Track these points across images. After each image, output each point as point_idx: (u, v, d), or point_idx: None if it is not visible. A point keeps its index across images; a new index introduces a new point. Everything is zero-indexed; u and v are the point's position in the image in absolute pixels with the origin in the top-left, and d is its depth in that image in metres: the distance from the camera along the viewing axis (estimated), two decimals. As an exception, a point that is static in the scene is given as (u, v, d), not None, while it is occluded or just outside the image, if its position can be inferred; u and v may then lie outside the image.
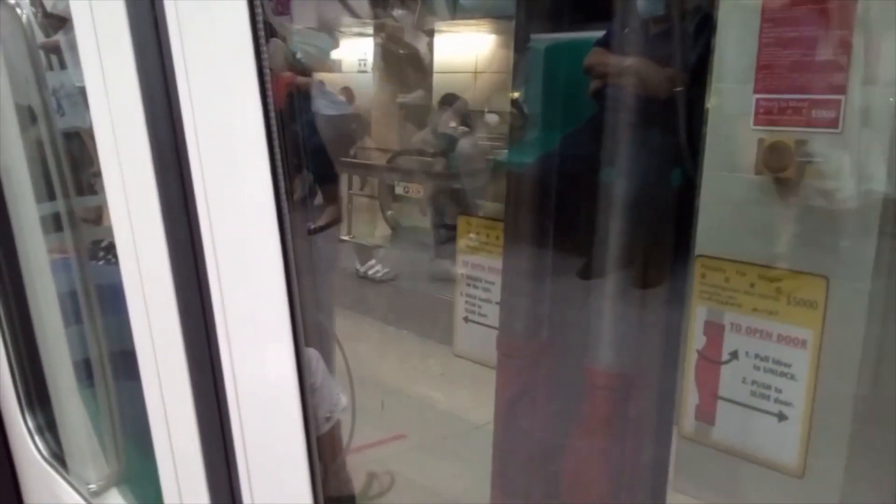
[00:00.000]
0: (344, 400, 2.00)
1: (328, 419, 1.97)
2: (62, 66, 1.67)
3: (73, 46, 0.96)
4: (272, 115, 0.76)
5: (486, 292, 1.32)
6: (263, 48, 0.74)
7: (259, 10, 0.73)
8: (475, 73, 3.60)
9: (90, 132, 0.99)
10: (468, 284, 1.34)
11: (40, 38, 1.58)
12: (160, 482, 1.12)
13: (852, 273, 1.06)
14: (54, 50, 1.66)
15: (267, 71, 0.74)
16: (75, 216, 1.52)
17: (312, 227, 2.51)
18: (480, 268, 1.32)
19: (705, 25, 1.31)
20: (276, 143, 0.77)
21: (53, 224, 1.59)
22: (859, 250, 1.10)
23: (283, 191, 0.79)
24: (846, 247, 1.13)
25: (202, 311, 0.89)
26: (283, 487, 0.93)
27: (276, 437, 0.92)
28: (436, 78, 3.64)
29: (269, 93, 0.75)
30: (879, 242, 1.11)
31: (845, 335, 0.97)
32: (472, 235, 1.32)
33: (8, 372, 1.68)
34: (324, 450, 2.06)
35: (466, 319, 1.35)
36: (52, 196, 1.54)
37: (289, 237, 0.81)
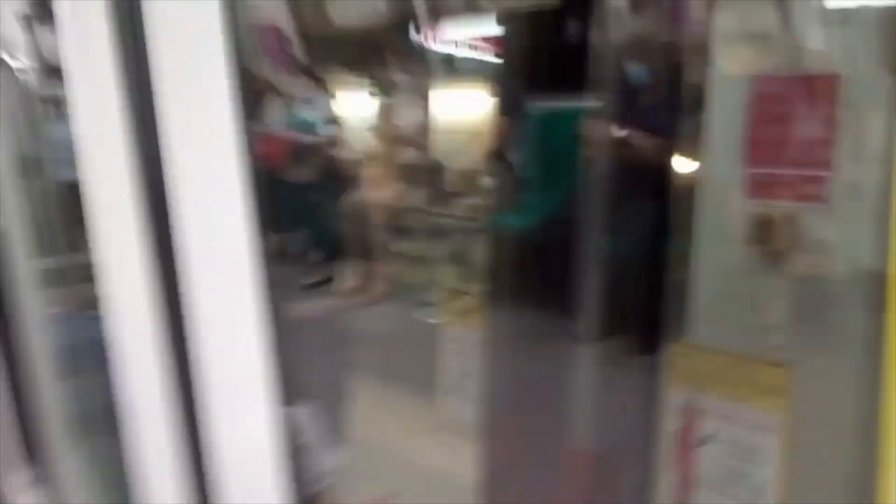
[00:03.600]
0: (338, 458, 1.96)
1: (321, 480, 1.93)
2: (64, 118, 1.69)
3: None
4: (251, 172, 0.77)
5: (469, 366, 1.33)
6: (240, 107, 0.76)
7: (237, 72, 0.75)
8: (474, 133, 3.66)
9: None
10: (451, 357, 1.34)
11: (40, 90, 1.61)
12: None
13: (837, 349, 1.06)
14: (56, 101, 1.69)
15: (247, 129, 0.76)
16: (75, 270, 1.53)
17: (307, 283, 2.52)
18: (462, 340, 1.33)
19: (696, 98, 1.35)
20: (254, 202, 0.79)
21: (54, 278, 1.59)
22: (847, 325, 1.10)
23: (261, 250, 0.80)
24: (836, 321, 1.13)
25: (185, 374, 0.89)
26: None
27: (260, 499, 0.91)
28: (434, 137, 3.70)
29: (249, 153, 0.77)
30: (868, 317, 1.12)
31: (819, 417, 0.96)
32: (453, 307, 1.34)
33: (3, 425, 1.66)
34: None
35: (449, 391, 1.36)
36: (49, 250, 1.55)
37: (267, 297, 0.81)
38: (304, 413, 1.82)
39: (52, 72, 1.63)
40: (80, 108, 0.95)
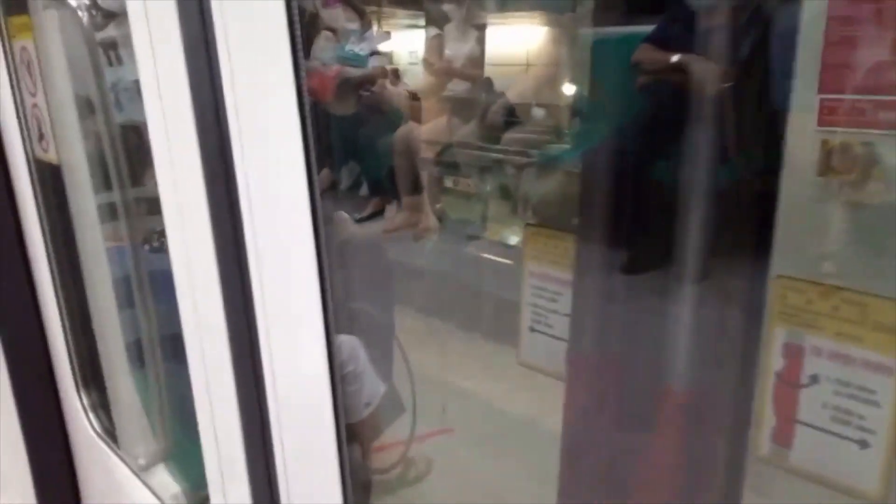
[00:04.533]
0: (383, 388, 2.03)
1: (368, 405, 2.01)
2: (119, 61, 1.72)
3: (126, 41, 1.00)
4: (306, 106, 0.78)
5: (553, 303, 1.30)
6: (298, 40, 0.76)
7: (295, 8, 0.74)
8: (527, 65, 3.57)
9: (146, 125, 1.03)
10: (534, 294, 1.31)
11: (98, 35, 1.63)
12: (203, 459, 1.16)
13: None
14: (112, 46, 1.71)
15: (301, 63, 0.76)
16: (130, 206, 1.58)
17: (358, 217, 2.54)
18: (546, 278, 1.30)
19: (762, 20, 1.28)
20: (310, 136, 0.79)
21: (109, 213, 1.65)
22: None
23: (315, 183, 0.81)
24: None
25: (243, 299, 0.92)
26: (315, 467, 0.97)
27: (309, 420, 0.95)
28: (487, 70, 3.63)
29: (304, 86, 0.77)
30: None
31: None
32: (538, 244, 1.30)
33: (65, 353, 1.75)
34: (364, 434, 2.11)
35: (532, 329, 1.33)
36: (108, 187, 1.60)
37: (321, 230, 0.83)
38: (353, 342, 1.88)
39: (108, 16, 1.65)
40: (143, 52, 0.96)
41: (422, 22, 3.99)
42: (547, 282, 1.28)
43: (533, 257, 1.29)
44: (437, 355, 2.69)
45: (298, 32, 0.77)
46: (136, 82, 1.01)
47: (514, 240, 2.94)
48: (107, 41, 1.65)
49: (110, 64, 1.70)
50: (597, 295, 1.33)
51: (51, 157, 1.63)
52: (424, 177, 3.09)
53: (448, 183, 3.38)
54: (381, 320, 2.15)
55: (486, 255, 2.92)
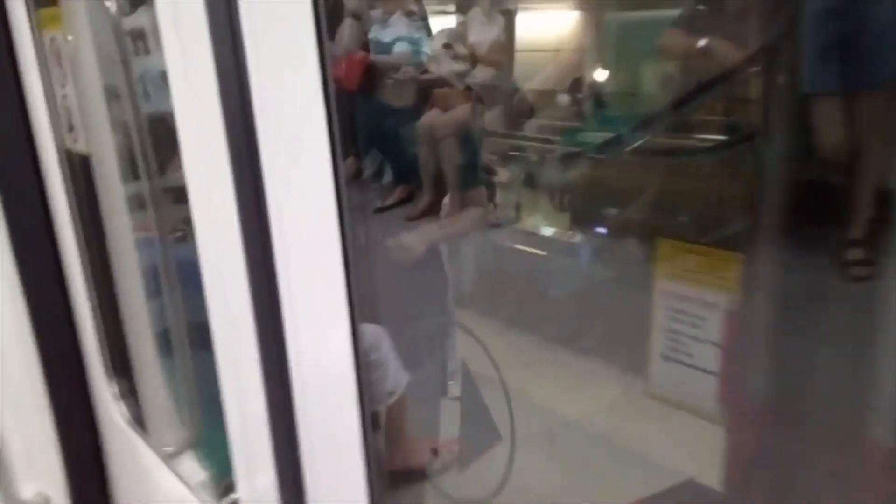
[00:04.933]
0: (406, 378, 2.03)
1: (391, 394, 2.02)
2: (147, 51, 1.73)
3: (153, 30, 1.00)
4: (332, 98, 0.77)
5: (694, 328, 1.16)
6: (324, 28, 0.75)
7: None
8: (556, 51, 3.52)
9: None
10: (670, 317, 1.17)
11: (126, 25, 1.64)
12: (230, 447, 1.17)
13: None
14: (139, 35, 1.72)
15: (327, 53, 0.76)
16: (158, 197, 1.59)
17: (380, 205, 2.54)
18: (686, 299, 1.16)
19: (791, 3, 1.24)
20: (335, 124, 0.79)
21: (137, 204, 1.66)
22: None
23: (341, 172, 0.80)
24: None
25: (269, 289, 0.92)
26: (341, 453, 0.98)
27: (335, 407, 0.96)
28: (517, 56, 3.58)
29: (329, 75, 0.77)
30: None
31: None
32: (675, 259, 1.16)
33: (95, 342, 1.78)
34: (389, 423, 2.11)
35: (666, 357, 1.19)
36: (136, 177, 1.61)
37: (347, 222, 0.83)
38: (377, 331, 1.88)
39: (135, 3, 1.66)
40: (169, 39, 0.96)
41: (451, 7, 3.95)
42: (686, 303, 1.11)
43: (668, 275, 1.13)
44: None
45: (324, 18, 0.77)
46: (163, 73, 1.02)
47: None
48: (134, 31, 1.66)
49: (137, 53, 1.71)
50: (767, 320, 1.16)
51: (80, 148, 1.65)
52: (451, 165, 3.07)
53: (475, 171, 3.35)
54: (436, 317, 2.14)
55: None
